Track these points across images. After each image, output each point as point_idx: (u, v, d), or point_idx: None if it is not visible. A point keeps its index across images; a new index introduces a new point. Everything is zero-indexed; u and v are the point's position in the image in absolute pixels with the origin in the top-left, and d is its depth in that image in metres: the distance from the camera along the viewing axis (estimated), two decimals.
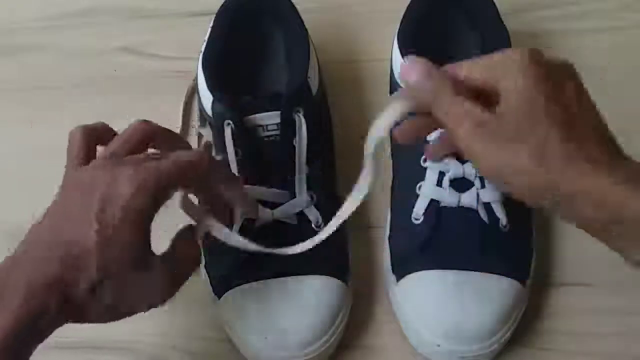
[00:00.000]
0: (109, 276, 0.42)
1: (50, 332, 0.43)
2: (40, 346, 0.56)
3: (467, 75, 0.44)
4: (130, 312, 0.45)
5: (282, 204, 0.55)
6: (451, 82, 0.43)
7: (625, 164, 0.41)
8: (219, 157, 0.56)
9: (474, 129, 0.42)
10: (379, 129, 0.45)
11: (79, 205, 0.43)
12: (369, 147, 0.45)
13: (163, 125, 0.49)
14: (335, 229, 0.50)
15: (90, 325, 0.57)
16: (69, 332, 0.57)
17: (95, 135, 0.48)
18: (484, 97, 0.43)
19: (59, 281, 0.41)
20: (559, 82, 0.42)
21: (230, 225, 0.52)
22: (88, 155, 0.47)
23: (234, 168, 0.55)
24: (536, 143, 0.41)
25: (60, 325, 0.43)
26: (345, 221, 0.58)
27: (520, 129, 0.41)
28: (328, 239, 0.55)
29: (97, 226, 0.42)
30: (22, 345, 0.41)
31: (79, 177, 0.45)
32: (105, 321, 0.45)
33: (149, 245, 0.45)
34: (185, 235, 0.49)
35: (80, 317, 0.44)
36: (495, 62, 0.44)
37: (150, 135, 0.48)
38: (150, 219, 0.44)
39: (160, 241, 0.47)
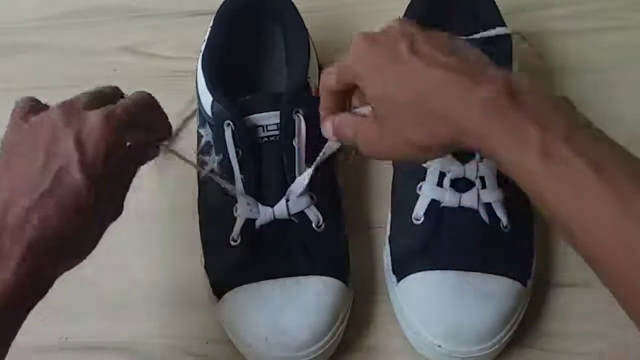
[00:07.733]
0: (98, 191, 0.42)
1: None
2: (41, 347, 0.57)
3: (339, 81, 0.47)
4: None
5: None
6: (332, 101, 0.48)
7: None
8: (218, 158, 0.56)
9: (363, 134, 0.46)
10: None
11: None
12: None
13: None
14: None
15: (91, 326, 0.58)
16: (70, 333, 0.58)
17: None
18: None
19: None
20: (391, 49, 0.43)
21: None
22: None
23: (234, 168, 0.55)
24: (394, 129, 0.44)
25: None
26: (344, 222, 0.59)
27: (390, 123, 0.44)
28: (328, 239, 0.55)
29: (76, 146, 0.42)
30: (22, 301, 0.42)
31: (37, 119, 0.45)
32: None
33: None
34: None
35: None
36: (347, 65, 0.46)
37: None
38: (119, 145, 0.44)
39: None
